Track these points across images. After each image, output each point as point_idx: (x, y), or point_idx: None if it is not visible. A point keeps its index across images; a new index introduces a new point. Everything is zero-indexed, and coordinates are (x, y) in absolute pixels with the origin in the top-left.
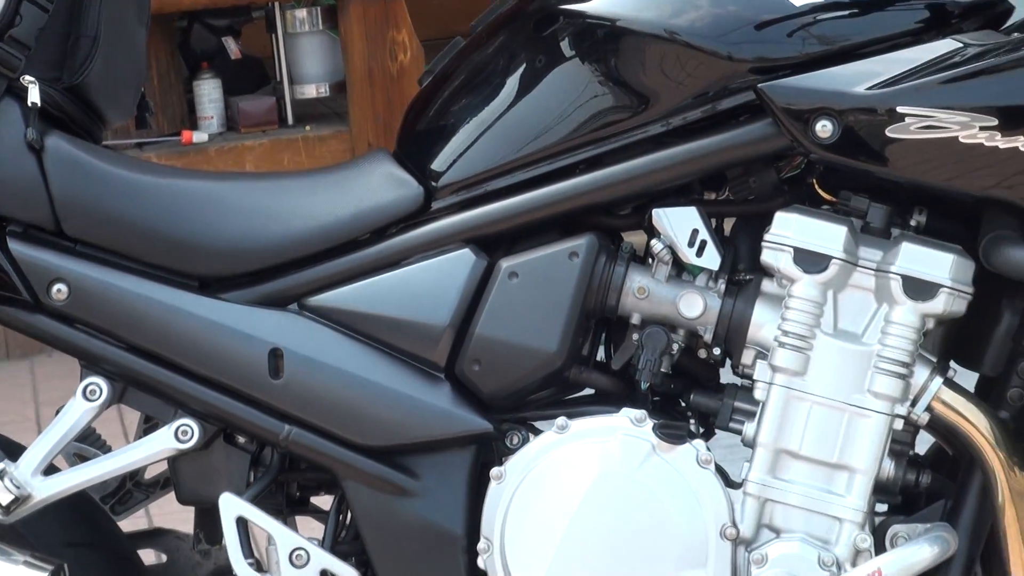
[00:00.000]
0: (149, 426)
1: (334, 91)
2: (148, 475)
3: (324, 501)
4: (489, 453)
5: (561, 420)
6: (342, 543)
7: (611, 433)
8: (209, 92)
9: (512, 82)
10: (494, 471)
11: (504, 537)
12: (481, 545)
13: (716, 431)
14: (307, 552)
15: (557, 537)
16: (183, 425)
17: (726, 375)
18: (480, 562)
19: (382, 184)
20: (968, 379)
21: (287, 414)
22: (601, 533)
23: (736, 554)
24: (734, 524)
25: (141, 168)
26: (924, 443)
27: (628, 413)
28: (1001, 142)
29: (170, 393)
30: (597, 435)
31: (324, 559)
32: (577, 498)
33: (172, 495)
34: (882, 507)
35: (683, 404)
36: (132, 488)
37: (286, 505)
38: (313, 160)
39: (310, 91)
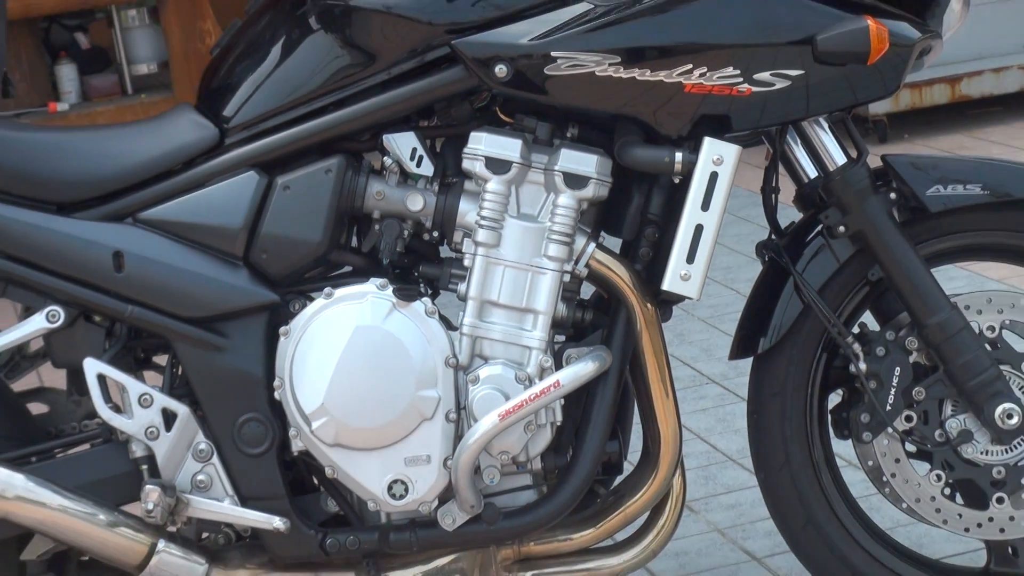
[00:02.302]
0: (28, 313)
1: (161, 68)
2: (32, 349)
3: (163, 359)
4: (278, 317)
5: (328, 290)
6: (177, 388)
7: (363, 297)
8: (67, 73)
9: (278, 49)
10: (282, 329)
11: (292, 376)
12: (276, 383)
13: (440, 292)
14: (151, 396)
15: (329, 374)
16: (52, 310)
17: (445, 251)
18: (276, 395)
19: (187, 128)
20: (613, 244)
21: (129, 298)
22: (361, 368)
23: (457, 377)
24: (455, 356)
25: (13, 127)
26: (588, 291)
27: (375, 282)
28: (623, 74)
29: (40, 288)
30: (353, 299)
31: (164, 400)
32: (342, 345)
33: (50, 363)
34: (560, 337)
35: (415, 273)
36: (20, 359)
37: (135, 364)
38: None
39: (143, 69)
